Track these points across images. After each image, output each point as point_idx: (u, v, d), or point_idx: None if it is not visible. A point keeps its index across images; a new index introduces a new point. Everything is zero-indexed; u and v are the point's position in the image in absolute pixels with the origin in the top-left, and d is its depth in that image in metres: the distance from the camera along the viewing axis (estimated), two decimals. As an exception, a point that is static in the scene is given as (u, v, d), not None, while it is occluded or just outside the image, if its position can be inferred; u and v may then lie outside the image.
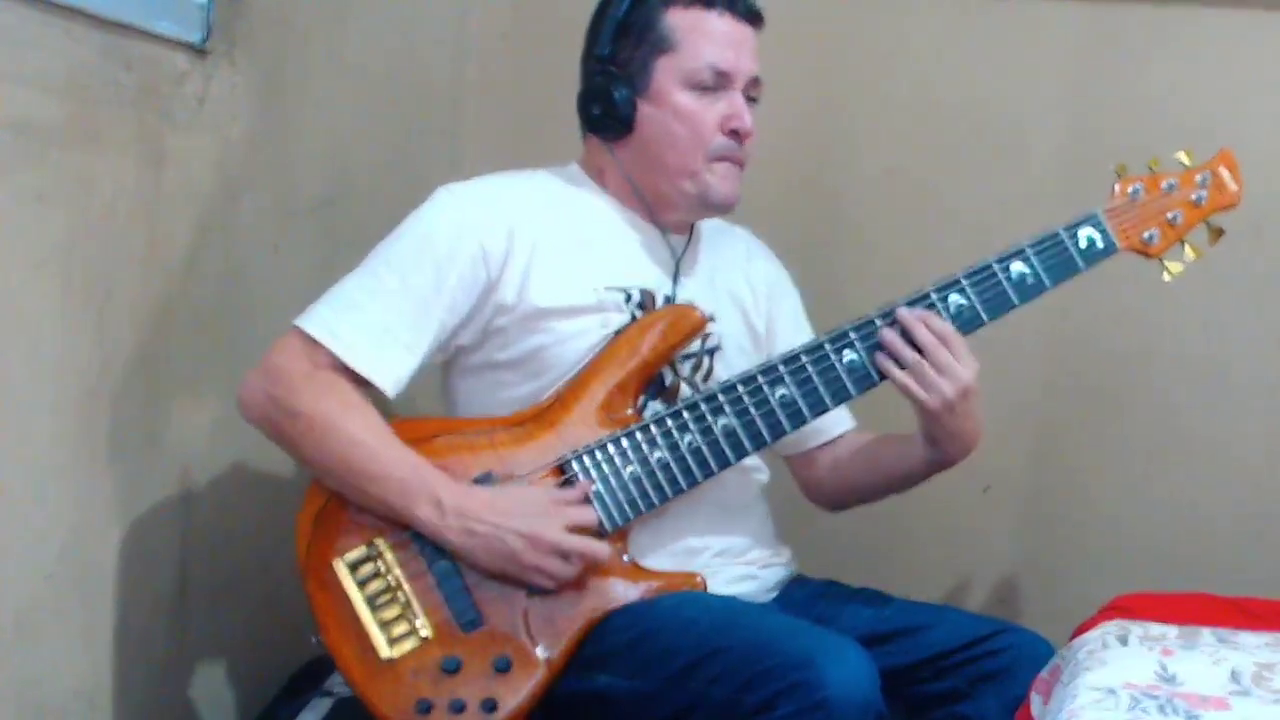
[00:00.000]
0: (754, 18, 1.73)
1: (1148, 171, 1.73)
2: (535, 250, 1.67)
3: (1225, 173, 1.74)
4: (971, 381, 1.64)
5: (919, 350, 1.63)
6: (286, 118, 1.92)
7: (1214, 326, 2.21)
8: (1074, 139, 2.24)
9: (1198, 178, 1.73)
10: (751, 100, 1.73)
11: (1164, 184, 1.73)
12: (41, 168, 1.48)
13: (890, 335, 1.65)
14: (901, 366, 1.64)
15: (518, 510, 1.57)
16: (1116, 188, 1.72)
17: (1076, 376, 2.27)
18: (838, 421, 1.86)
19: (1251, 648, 1.43)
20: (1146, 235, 1.72)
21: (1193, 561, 2.20)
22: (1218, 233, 1.74)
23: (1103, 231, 1.70)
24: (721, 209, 1.74)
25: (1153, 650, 1.40)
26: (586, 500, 1.61)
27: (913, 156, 2.31)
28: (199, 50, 1.71)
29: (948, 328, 1.64)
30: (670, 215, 1.76)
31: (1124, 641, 1.44)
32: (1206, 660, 1.37)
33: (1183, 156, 1.73)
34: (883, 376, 1.66)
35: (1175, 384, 2.23)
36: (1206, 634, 1.48)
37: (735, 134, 1.70)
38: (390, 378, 1.62)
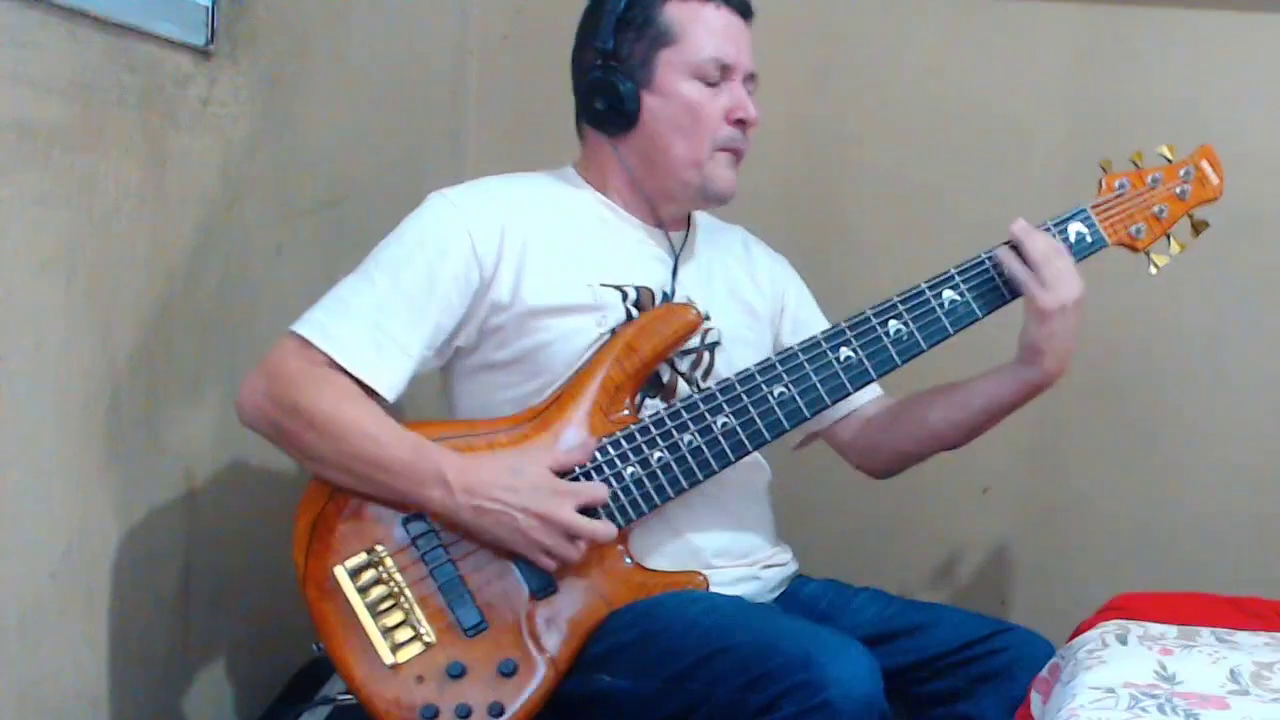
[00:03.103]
0: (746, 11, 1.75)
1: (1132, 166, 1.74)
2: (527, 248, 1.67)
3: (1207, 167, 1.75)
4: (1082, 293, 1.65)
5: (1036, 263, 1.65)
6: (289, 119, 1.92)
7: (1213, 326, 2.22)
8: (1074, 139, 2.24)
9: (1181, 172, 1.74)
10: (748, 94, 1.74)
11: (1149, 178, 1.74)
12: (45, 169, 1.48)
13: (1005, 252, 1.66)
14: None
15: (527, 488, 1.57)
16: (1103, 182, 1.73)
17: (1075, 376, 2.26)
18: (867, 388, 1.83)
19: (1250, 647, 1.43)
20: (1134, 229, 1.73)
21: (1192, 561, 2.20)
22: (1201, 225, 1.75)
23: (1091, 226, 1.71)
24: (721, 200, 1.75)
25: (1152, 650, 1.40)
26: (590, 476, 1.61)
27: (913, 156, 2.31)
28: (202, 52, 1.71)
29: (1064, 248, 1.66)
30: (669, 209, 1.76)
31: (1123, 641, 1.44)
32: (1205, 660, 1.37)
33: (1165, 151, 1.74)
34: (882, 371, 1.67)
35: (1175, 383, 2.24)
36: (1206, 633, 1.48)
37: (740, 123, 1.71)
38: (386, 381, 1.62)
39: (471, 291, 1.66)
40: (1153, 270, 1.74)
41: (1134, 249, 1.74)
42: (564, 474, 1.60)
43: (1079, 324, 1.67)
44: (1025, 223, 1.67)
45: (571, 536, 1.57)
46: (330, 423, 1.58)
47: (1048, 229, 1.69)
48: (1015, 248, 1.67)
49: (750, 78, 1.74)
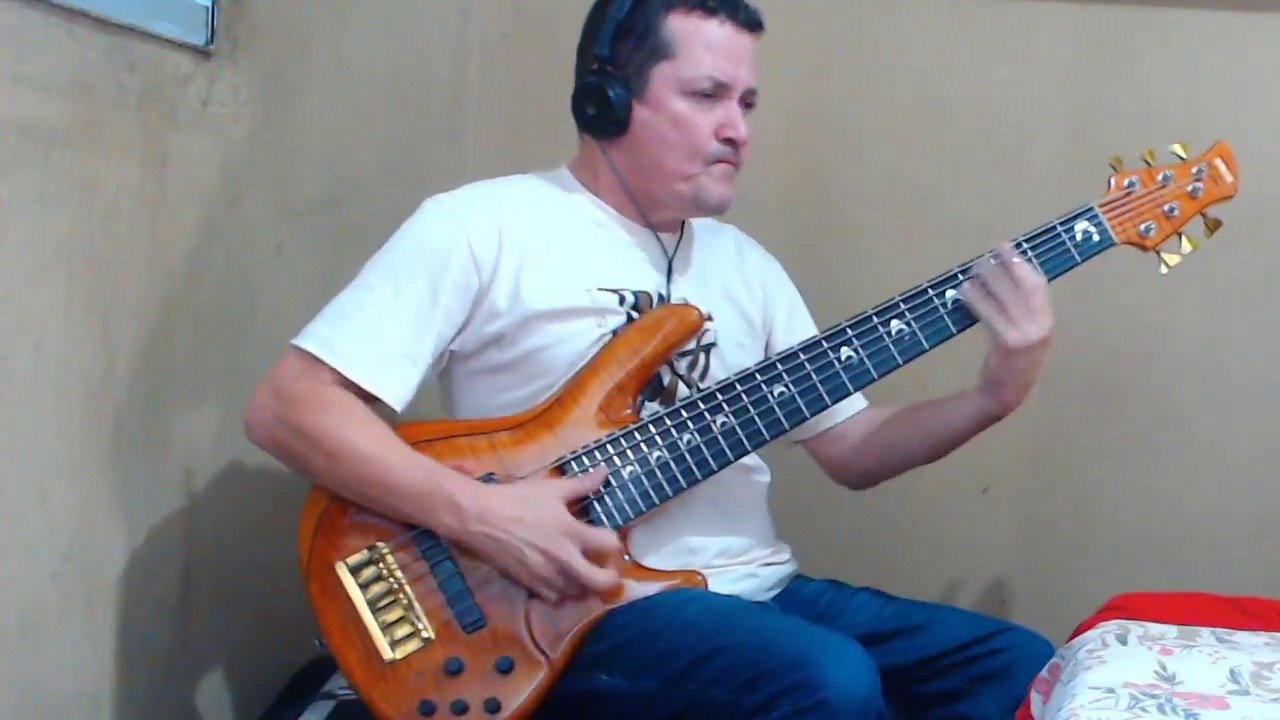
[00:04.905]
0: (754, 26, 1.73)
1: (1143, 164, 1.73)
2: (525, 254, 1.67)
3: (1221, 165, 1.73)
4: (1050, 332, 1.65)
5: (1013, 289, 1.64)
6: (289, 119, 1.92)
7: (1213, 326, 2.22)
8: (1074, 139, 2.24)
9: (1194, 170, 1.73)
10: (747, 106, 1.73)
11: (1160, 176, 1.72)
12: (45, 169, 1.48)
13: (986, 269, 1.65)
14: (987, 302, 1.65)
15: (538, 525, 1.56)
16: (1112, 181, 1.72)
17: (1076, 377, 2.27)
18: (852, 401, 1.84)
19: (1250, 647, 1.43)
20: (1143, 228, 1.72)
21: (1192, 561, 2.20)
22: (1215, 224, 1.74)
23: (1099, 225, 1.70)
24: (716, 210, 1.75)
25: (1152, 649, 1.40)
26: (601, 497, 1.61)
27: (912, 157, 2.31)
28: (202, 52, 1.71)
29: (1041, 281, 1.65)
30: (661, 215, 1.76)
31: (1123, 641, 1.45)
32: (1205, 659, 1.37)
33: (1179, 149, 1.73)
34: (883, 371, 1.67)
35: (1175, 384, 2.24)
36: (1205, 633, 1.48)
37: (730, 142, 1.70)
38: (395, 392, 1.62)
39: (471, 297, 1.66)
40: (1163, 269, 1.73)
41: (1143, 248, 1.72)
42: (578, 501, 1.60)
43: (1044, 360, 1.67)
44: (1011, 250, 1.65)
45: (572, 579, 1.57)
46: (340, 447, 1.58)
47: (1054, 228, 1.69)
48: (1002, 266, 1.65)
49: (750, 92, 1.73)
